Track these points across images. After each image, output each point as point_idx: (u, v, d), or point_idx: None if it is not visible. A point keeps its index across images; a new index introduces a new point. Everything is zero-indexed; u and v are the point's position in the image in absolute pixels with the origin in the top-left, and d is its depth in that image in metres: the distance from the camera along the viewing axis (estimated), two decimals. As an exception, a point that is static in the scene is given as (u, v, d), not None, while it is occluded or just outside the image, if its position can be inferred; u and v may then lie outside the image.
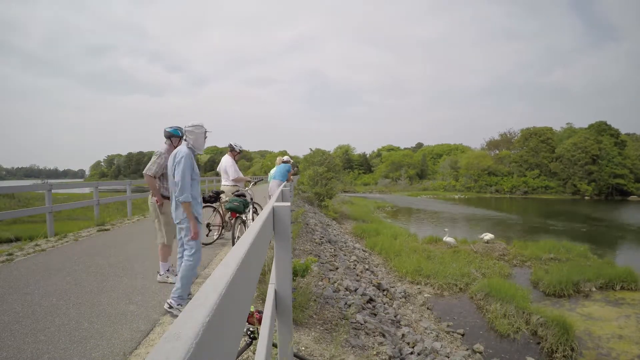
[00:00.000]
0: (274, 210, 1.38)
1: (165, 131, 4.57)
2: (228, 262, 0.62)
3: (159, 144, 4.58)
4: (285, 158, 8.76)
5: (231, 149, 7.00)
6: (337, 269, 7.19)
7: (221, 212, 6.61)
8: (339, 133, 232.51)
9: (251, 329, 2.07)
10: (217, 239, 6.55)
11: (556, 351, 6.17)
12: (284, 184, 7.33)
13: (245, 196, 6.01)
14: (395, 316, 6.23)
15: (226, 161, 6.85)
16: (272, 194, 7.78)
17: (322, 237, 10.11)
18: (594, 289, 9.21)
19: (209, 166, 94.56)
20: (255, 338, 2.04)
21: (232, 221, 5.76)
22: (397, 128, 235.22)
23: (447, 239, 13.64)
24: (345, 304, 5.02)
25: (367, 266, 9.47)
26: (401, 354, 4.28)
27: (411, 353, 4.54)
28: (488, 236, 13.72)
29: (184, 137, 3.67)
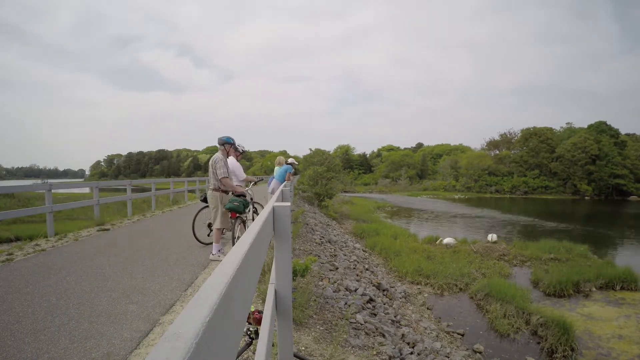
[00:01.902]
0: (274, 210, 1.38)
1: (219, 139, 5.79)
2: (228, 262, 0.62)
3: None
4: (290, 160, 8.80)
5: (234, 149, 6.99)
6: (337, 269, 7.19)
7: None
8: (349, 132, 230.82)
9: (251, 329, 2.07)
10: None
11: (556, 351, 6.17)
12: (284, 184, 7.34)
13: (245, 196, 6.01)
14: (395, 316, 6.23)
15: (232, 162, 6.82)
16: (271, 194, 7.80)
17: (322, 237, 10.11)
18: (594, 289, 9.21)
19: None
20: (255, 338, 2.04)
21: (232, 221, 5.76)
22: (397, 128, 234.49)
23: (446, 240, 13.66)
24: (345, 304, 5.02)
25: (367, 266, 9.46)
26: (401, 354, 4.28)
27: (411, 353, 4.53)
28: (492, 237, 13.81)
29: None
